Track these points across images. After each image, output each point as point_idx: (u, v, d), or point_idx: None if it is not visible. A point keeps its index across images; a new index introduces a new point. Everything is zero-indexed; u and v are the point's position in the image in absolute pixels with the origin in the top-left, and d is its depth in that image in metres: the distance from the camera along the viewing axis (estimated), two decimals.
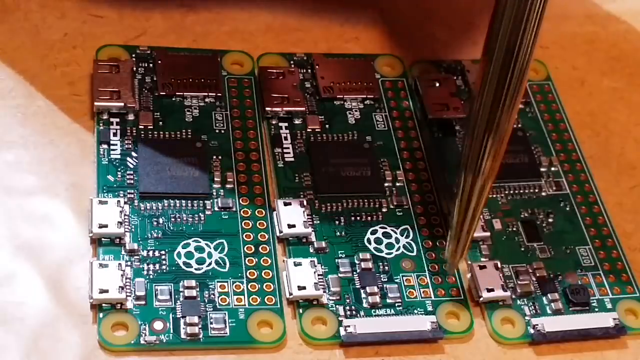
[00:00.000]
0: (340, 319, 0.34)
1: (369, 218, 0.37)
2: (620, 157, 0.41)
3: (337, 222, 0.37)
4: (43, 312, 0.33)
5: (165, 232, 0.35)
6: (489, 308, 0.36)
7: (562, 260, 0.37)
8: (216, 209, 0.36)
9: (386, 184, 0.38)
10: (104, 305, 0.33)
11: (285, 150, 0.38)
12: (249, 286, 0.34)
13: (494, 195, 0.39)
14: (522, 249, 0.37)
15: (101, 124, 0.37)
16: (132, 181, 0.36)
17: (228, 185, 0.37)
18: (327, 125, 0.39)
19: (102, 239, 0.34)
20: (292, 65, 0.41)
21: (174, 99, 0.39)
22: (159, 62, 0.39)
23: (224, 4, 0.43)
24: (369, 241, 0.36)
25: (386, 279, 0.36)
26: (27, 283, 0.33)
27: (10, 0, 0.40)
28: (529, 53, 0.33)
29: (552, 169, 0.40)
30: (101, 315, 0.33)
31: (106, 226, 0.34)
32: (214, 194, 0.36)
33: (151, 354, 0.33)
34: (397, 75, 0.42)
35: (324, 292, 0.35)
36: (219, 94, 0.39)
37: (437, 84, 0.41)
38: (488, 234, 0.37)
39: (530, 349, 0.35)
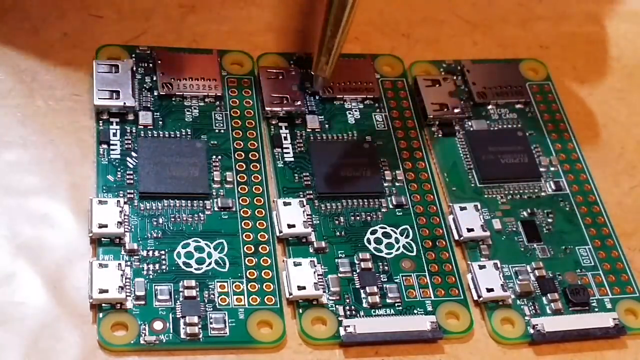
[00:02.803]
0: (340, 319, 0.34)
1: (369, 218, 0.37)
2: (620, 157, 0.41)
3: (337, 222, 0.37)
4: (43, 312, 0.33)
5: (165, 232, 0.35)
6: (488, 308, 0.36)
7: (562, 260, 0.37)
8: (216, 209, 0.36)
9: (386, 184, 0.38)
10: (103, 305, 0.33)
11: (285, 150, 0.38)
12: (248, 286, 0.34)
13: (494, 195, 0.39)
14: (522, 249, 0.37)
15: (101, 124, 0.37)
16: (132, 181, 0.36)
17: (228, 185, 0.37)
18: (327, 125, 0.39)
19: (102, 239, 0.34)
20: (292, 65, 0.41)
21: (173, 99, 0.39)
22: (159, 62, 0.39)
23: (224, 4, 0.43)
24: (368, 241, 0.36)
25: (386, 279, 0.36)
26: (27, 283, 0.33)
27: (10, 0, 0.40)
28: None
29: (552, 169, 0.40)
30: (101, 315, 0.33)
31: (106, 226, 0.34)
32: (214, 194, 0.36)
33: (151, 354, 0.33)
34: (397, 75, 0.42)
35: (324, 292, 0.35)
36: (219, 94, 0.39)
37: (437, 84, 0.41)
38: (488, 233, 0.37)
39: (530, 349, 0.35)
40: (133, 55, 0.40)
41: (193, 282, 0.34)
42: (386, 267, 0.36)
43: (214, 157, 0.37)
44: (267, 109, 0.39)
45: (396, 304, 0.35)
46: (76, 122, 0.38)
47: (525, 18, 0.46)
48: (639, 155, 0.42)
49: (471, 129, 0.40)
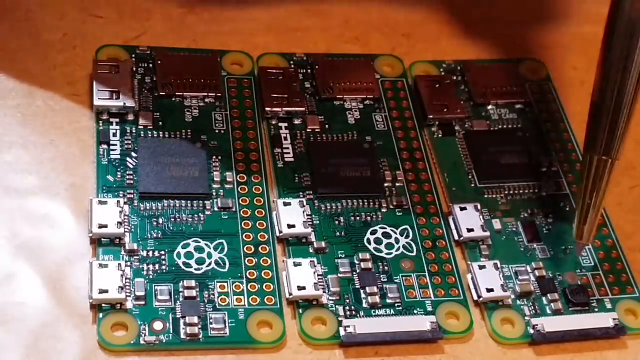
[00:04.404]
0: (339, 319, 0.34)
1: (369, 218, 0.37)
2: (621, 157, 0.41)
3: (336, 222, 0.37)
4: (43, 312, 0.33)
5: (165, 232, 0.35)
6: (488, 308, 0.36)
7: (562, 260, 0.37)
8: (216, 209, 0.36)
9: (386, 184, 0.38)
10: (103, 305, 0.33)
11: (284, 150, 0.38)
12: (248, 286, 0.34)
13: (494, 196, 0.39)
14: (522, 249, 0.37)
15: (101, 124, 0.37)
16: (131, 181, 0.36)
17: (228, 185, 0.37)
18: (326, 125, 0.39)
19: (102, 239, 0.34)
20: (292, 65, 0.41)
21: (173, 99, 0.39)
22: (159, 62, 0.39)
23: (224, 4, 0.43)
24: (368, 241, 0.36)
25: (386, 279, 0.36)
26: (27, 283, 0.33)
27: (10, 0, 0.40)
28: None
29: (552, 169, 0.40)
30: (101, 315, 0.33)
31: (106, 226, 0.34)
32: (214, 194, 0.36)
33: (151, 354, 0.33)
34: (397, 75, 0.42)
35: (324, 292, 0.35)
36: (219, 94, 0.39)
37: (437, 84, 0.41)
38: (488, 234, 0.37)
39: (530, 349, 0.35)
40: (133, 55, 0.40)
41: (193, 282, 0.34)
42: (386, 267, 0.36)
43: (214, 157, 0.37)
44: (267, 109, 0.39)
45: (396, 304, 0.35)
46: (76, 122, 0.38)
47: (525, 18, 0.46)
48: (639, 155, 0.42)
49: (471, 129, 0.40)
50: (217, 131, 0.38)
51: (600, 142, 0.35)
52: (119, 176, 0.36)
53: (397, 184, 0.38)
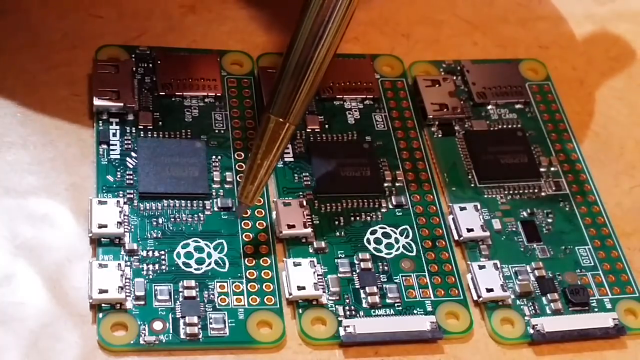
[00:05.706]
0: (339, 319, 0.34)
1: (369, 218, 0.37)
2: (620, 157, 0.41)
3: (336, 222, 0.37)
4: (43, 312, 0.33)
5: (164, 232, 0.35)
6: (488, 308, 0.36)
7: (562, 260, 0.37)
8: (216, 209, 0.36)
9: (386, 184, 0.38)
10: (103, 305, 0.33)
11: (285, 151, 0.38)
12: (248, 286, 0.34)
13: (494, 196, 0.39)
14: (522, 249, 0.37)
15: (101, 124, 0.37)
16: (131, 181, 0.36)
17: (227, 186, 0.37)
18: (326, 125, 0.39)
19: (102, 239, 0.34)
20: None
21: (173, 99, 0.39)
22: (159, 62, 0.39)
23: (224, 4, 0.43)
24: (368, 241, 0.36)
25: (386, 279, 0.36)
26: (26, 283, 0.33)
27: (10, 0, 0.40)
28: None
29: (552, 169, 0.40)
30: (101, 315, 0.33)
31: (106, 226, 0.34)
32: (214, 194, 0.36)
33: (150, 354, 0.33)
34: (397, 75, 0.42)
35: (324, 292, 0.35)
36: (219, 94, 0.39)
37: (437, 84, 0.41)
38: (488, 234, 0.37)
39: (530, 349, 0.35)
40: (133, 55, 0.40)
41: (193, 282, 0.34)
42: (386, 267, 0.36)
43: (214, 157, 0.37)
44: None
45: (396, 304, 0.35)
46: (76, 122, 0.38)
47: (525, 18, 0.46)
48: (639, 155, 0.42)
49: (471, 129, 0.40)
50: (217, 131, 0.38)
51: (280, 104, 0.35)
52: (118, 176, 0.36)
53: (397, 184, 0.38)
